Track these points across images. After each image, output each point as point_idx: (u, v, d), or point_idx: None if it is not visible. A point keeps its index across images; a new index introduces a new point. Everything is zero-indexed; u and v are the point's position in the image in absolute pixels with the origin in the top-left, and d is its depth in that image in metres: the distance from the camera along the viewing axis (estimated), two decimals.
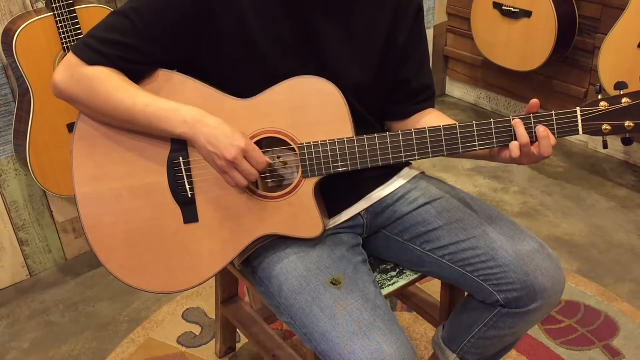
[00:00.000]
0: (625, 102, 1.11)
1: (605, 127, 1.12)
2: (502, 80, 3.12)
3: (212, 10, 1.15)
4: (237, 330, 1.84)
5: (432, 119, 1.34)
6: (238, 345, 1.89)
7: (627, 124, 1.11)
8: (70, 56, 1.18)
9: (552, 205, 2.52)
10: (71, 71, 1.17)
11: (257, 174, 1.15)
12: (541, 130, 1.13)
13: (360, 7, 1.24)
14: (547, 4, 2.54)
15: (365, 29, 1.26)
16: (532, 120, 1.13)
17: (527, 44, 2.69)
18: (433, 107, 1.39)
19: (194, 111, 1.15)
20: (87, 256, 2.31)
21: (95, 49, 1.16)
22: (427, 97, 1.37)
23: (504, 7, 2.71)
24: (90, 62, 1.16)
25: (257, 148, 1.15)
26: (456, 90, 3.41)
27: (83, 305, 2.10)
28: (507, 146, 1.15)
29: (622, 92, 1.12)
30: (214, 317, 1.90)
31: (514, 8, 2.67)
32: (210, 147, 1.13)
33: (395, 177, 1.38)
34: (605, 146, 1.17)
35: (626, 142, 1.15)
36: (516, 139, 1.14)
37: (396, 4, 1.27)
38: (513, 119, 1.14)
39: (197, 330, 1.97)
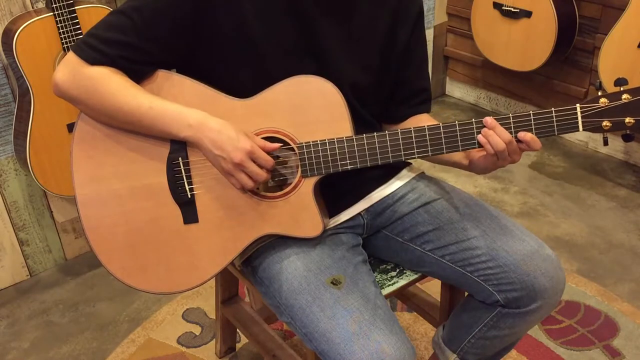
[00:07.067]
0: (625, 99, 1.11)
1: (606, 123, 1.12)
2: (502, 80, 3.12)
3: (212, 9, 1.15)
4: (237, 330, 1.84)
5: (425, 122, 1.34)
6: (238, 345, 1.89)
7: (627, 120, 1.11)
8: (71, 55, 1.17)
9: (552, 205, 2.52)
10: (72, 71, 1.16)
11: (264, 175, 1.15)
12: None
13: (360, 6, 1.24)
14: (547, 4, 2.54)
15: (365, 28, 1.26)
16: (532, 117, 1.13)
17: (527, 44, 2.69)
18: (429, 112, 1.38)
19: (197, 114, 1.14)
20: (87, 256, 2.31)
21: (95, 48, 1.15)
22: (423, 100, 1.37)
23: (504, 7, 2.71)
24: (91, 61, 1.15)
25: (264, 144, 1.15)
26: (456, 90, 3.41)
27: (83, 305, 2.10)
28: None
29: (622, 89, 1.11)
30: (214, 317, 1.89)
31: (514, 8, 2.67)
32: (216, 151, 1.13)
33: (395, 177, 1.38)
34: (605, 142, 1.16)
35: (627, 138, 1.15)
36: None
37: (397, 4, 1.27)
38: (510, 115, 1.14)
39: (197, 330, 1.96)
